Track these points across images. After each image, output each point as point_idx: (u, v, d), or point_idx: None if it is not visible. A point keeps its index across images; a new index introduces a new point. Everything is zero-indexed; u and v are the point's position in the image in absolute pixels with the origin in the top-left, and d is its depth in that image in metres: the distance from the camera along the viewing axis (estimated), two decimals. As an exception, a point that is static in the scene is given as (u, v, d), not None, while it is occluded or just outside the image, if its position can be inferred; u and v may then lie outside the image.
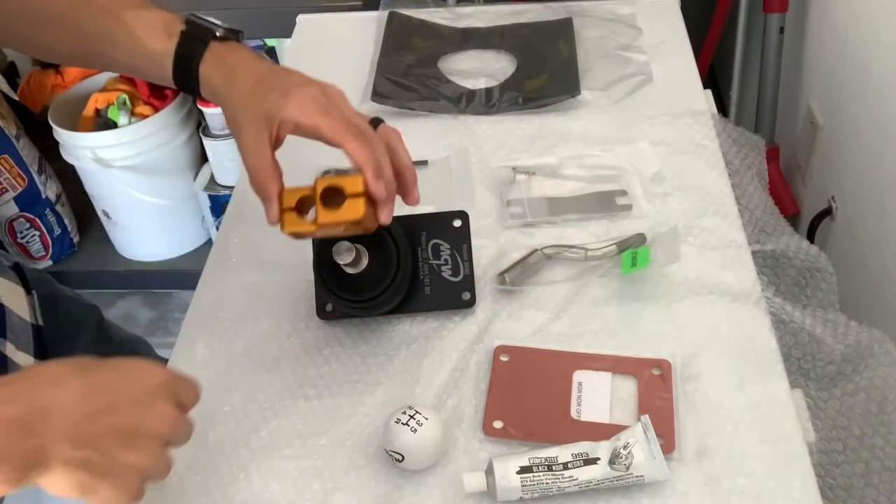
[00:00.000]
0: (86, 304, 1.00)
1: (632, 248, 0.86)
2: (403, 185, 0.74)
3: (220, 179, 1.98)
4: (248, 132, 0.70)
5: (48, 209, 2.08)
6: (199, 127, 1.95)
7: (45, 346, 0.81)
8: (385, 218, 0.70)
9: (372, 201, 0.70)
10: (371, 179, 0.68)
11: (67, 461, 0.52)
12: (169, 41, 0.73)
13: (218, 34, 0.74)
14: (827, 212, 1.49)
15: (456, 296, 0.83)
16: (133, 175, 1.92)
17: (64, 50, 0.78)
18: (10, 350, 0.75)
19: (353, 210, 0.69)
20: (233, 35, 0.76)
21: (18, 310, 0.79)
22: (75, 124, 1.94)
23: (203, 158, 2.01)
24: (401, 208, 0.95)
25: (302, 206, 0.71)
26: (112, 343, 1.02)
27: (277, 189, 0.69)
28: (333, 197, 0.69)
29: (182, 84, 0.74)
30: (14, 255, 2.10)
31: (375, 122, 0.75)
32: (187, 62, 0.73)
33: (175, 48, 0.73)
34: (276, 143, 0.70)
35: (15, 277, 0.82)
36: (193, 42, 0.73)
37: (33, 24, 0.75)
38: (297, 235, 0.72)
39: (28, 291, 0.83)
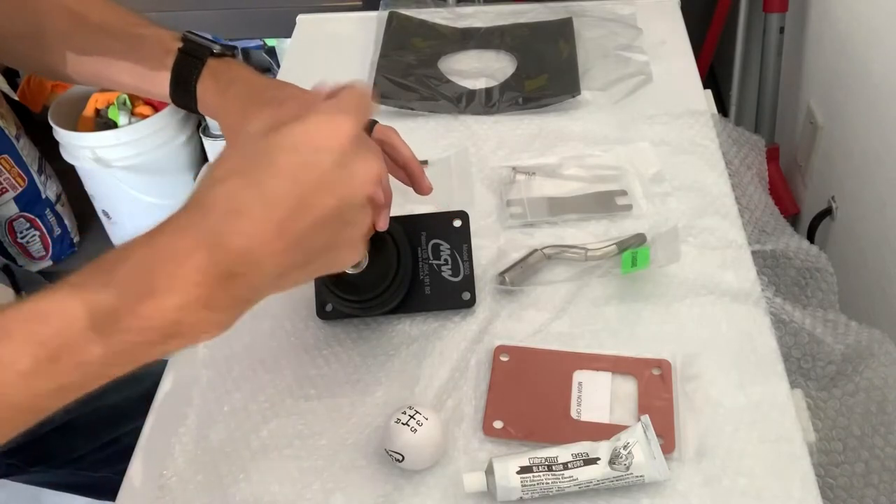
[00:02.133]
0: None
1: (632, 248, 0.86)
2: (411, 176, 0.76)
3: (220, 179, 1.98)
4: None
5: (48, 209, 2.08)
6: (199, 127, 1.95)
7: None
8: (382, 223, 0.70)
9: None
10: None
11: (279, 283, 0.50)
12: (166, 59, 0.74)
13: (214, 51, 0.75)
14: (827, 212, 1.49)
15: (456, 296, 0.83)
16: (133, 175, 1.93)
17: (62, 68, 0.77)
18: None
19: None
20: (228, 52, 0.76)
21: None
22: (75, 124, 1.94)
23: (203, 158, 2.02)
24: (401, 208, 0.95)
25: None
26: None
27: None
28: None
29: (180, 101, 0.75)
30: (14, 255, 2.10)
31: (370, 126, 0.75)
32: (185, 80, 0.73)
33: (172, 66, 0.74)
34: None
35: (5, 279, 0.82)
36: (190, 60, 0.74)
37: (31, 43, 0.75)
38: None
39: (17, 293, 0.83)
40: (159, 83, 0.74)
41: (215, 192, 0.50)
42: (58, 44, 0.75)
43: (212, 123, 1.89)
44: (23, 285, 0.84)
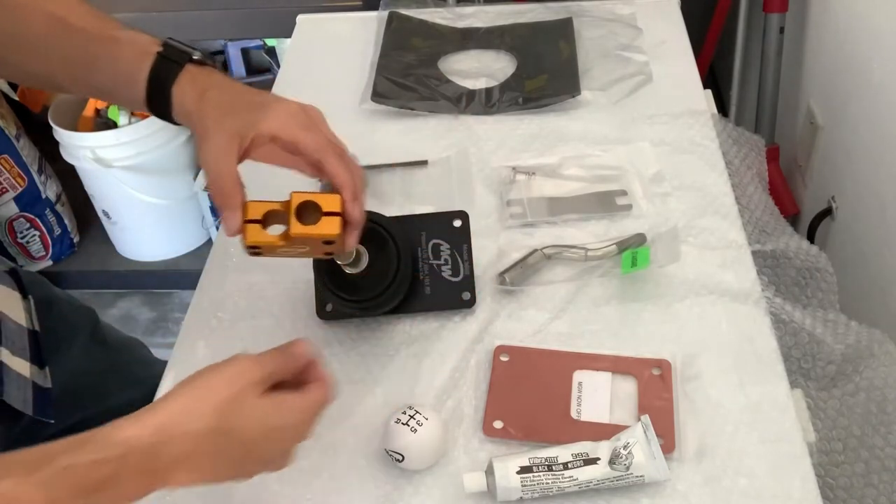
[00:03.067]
0: (80, 307, 1.00)
1: (632, 248, 0.86)
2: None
3: (220, 179, 1.98)
4: (215, 141, 0.67)
5: (48, 209, 2.08)
6: (199, 127, 1.95)
7: (41, 353, 0.80)
8: (351, 243, 0.69)
9: (344, 223, 0.68)
10: (349, 200, 0.68)
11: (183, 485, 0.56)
12: (144, 62, 0.71)
13: (194, 57, 0.72)
14: (827, 212, 1.49)
15: (456, 296, 0.83)
16: (133, 175, 1.92)
17: (40, 73, 0.76)
18: (6, 356, 0.75)
19: (329, 227, 0.67)
20: (208, 60, 0.74)
21: (14, 315, 0.79)
22: (75, 124, 1.94)
23: (203, 158, 2.01)
24: (401, 208, 0.95)
25: (266, 221, 0.68)
26: (107, 345, 1.02)
27: (240, 198, 0.67)
28: (307, 213, 0.68)
29: (155, 106, 0.73)
30: (14, 255, 2.10)
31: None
32: (162, 83, 0.71)
33: (150, 69, 0.71)
34: (243, 155, 0.69)
35: (11, 283, 0.82)
36: (168, 64, 0.72)
37: (8, 47, 0.74)
38: (257, 251, 0.69)
39: (24, 296, 0.83)
40: (136, 87, 0.72)
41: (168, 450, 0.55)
42: (37, 47, 0.73)
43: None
44: (29, 288, 0.84)
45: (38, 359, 0.79)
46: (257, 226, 0.67)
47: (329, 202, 0.68)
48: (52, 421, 0.77)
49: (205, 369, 0.58)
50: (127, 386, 0.93)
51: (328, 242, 0.68)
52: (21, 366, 0.76)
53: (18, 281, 0.83)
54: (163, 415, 0.55)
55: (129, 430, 0.53)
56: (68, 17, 0.73)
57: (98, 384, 0.93)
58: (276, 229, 0.68)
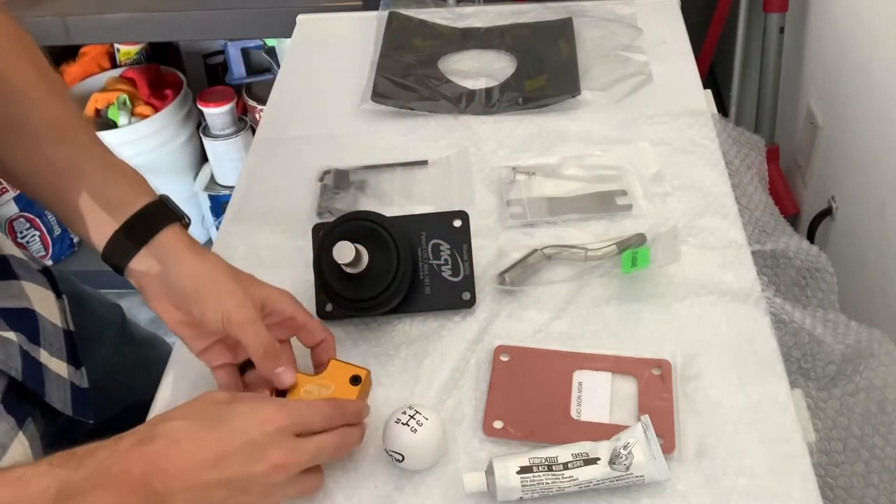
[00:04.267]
0: (108, 303, 1.01)
1: (632, 248, 0.86)
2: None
3: (220, 179, 1.98)
4: (245, 309, 0.68)
5: (48, 209, 2.08)
6: (199, 127, 1.95)
7: (77, 354, 0.80)
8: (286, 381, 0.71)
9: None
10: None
11: None
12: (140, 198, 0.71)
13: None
14: (827, 212, 1.49)
15: (456, 296, 0.83)
16: (133, 175, 1.92)
17: (20, 170, 0.72)
18: (45, 357, 0.74)
19: (348, 393, 0.72)
20: (184, 220, 0.74)
21: (50, 315, 0.78)
22: (75, 124, 1.93)
23: (203, 158, 2.01)
24: (401, 208, 0.95)
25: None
26: (135, 341, 1.03)
27: (289, 355, 0.74)
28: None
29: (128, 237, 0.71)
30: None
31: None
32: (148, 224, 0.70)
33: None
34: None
35: (45, 282, 0.81)
36: (163, 211, 0.72)
37: None
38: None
39: (58, 296, 0.82)
40: (115, 215, 0.70)
41: (164, 427, 0.61)
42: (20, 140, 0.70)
43: (211, 123, 1.89)
44: (62, 287, 0.84)
45: (73, 359, 0.79)
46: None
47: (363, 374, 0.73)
48: (91, 421, 0.78)
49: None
50: (153, 381, 0.93)
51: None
52: (59, 367, 0.76)
53: (52, 279, 0.83)
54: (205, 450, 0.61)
55: (169, 464, 0.59)
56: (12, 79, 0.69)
57: (127, 380, 0.94)
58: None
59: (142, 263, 0.70)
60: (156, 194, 0.72)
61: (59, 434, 0.76)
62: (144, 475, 0.57)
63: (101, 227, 0.70)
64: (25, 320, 0.74)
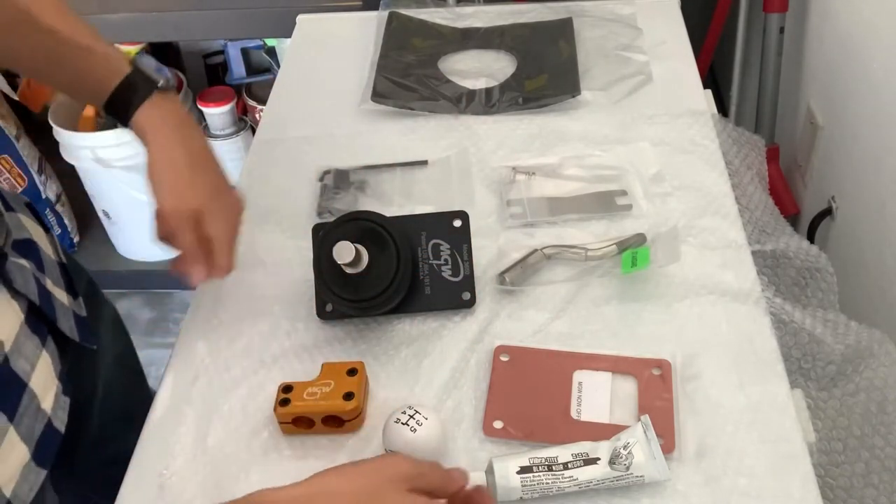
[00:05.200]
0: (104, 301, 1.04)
1: (632, 248, 0.86)
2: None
3: (220, 179, 1.98)
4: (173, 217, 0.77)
5: (48, 209, 2.08)
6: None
7: (73, 284, 0.84)
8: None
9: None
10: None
11: None
12: (111, 80, 0.78)
13: (159, 85, 0.79)
14: (827, 212, 1.49)
15: (456, 296, 0.83)
16: (133, 175, 1.92)
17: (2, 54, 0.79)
18: (50, 286, 0.77)
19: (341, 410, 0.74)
20: (171, 87, 0.81)
21: (45, 248, 0.82)
22: (75, 124, 1.94)
23: (203, 158, 2.01)
24: (401, 208, 0.95)
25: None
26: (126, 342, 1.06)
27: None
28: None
29: (111, 114, 0.79)
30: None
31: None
32: (125, 103, 0.78)
33: (115, 88, 0.78)
34: None
35: (33, 216, 0.85)
36: (136, 89, 0.78)
37: None
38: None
39: (46, 231, 0.86)
40: (96, 96, 0.79)
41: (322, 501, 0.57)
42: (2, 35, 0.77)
43: (211, 123, 1.89)
44: (77, 288, 0.86)
45: (71, 290, 0.83)
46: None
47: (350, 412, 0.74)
48: (94, 347, 0.82)
49: (358, 461, 0.60)
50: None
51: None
52: (62, 295, 0.79)
53: (35, 214, 0.86)
54: (307, 486, 0.57)
55: (267, 496, 0.56)
56: (38, 15, 0.75)
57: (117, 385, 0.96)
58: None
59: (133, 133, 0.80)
60: (128, 67, 0.79)
61: (73, 359, 0.79)
62: None
63: (96, 98, 0.79)
64: (31, 250, 0.77)
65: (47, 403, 0.72)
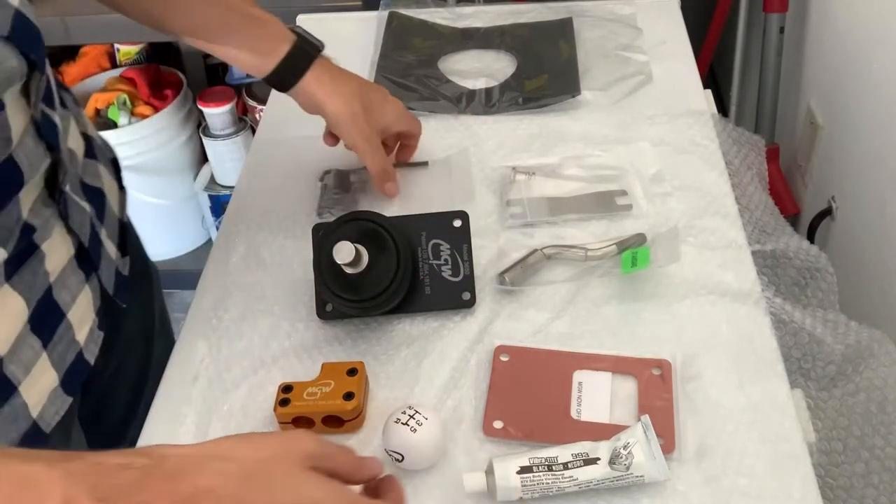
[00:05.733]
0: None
1: (632, 248, 0.86)
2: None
3: (220, 179, 1.98)
4: (370, 139, 0.93)
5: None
6: (199, 127, 1.95)
7: (125, 243, 0.87)
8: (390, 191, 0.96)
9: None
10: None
11: None
12: (281, 46, 0.88)
13: (321, 49, 0.90)
14: (827, 212, 1.49)
15: (456, 296, 0.83)
16: (133, 175, 1.92)
17: (164, 18, 0.86)
18: (104, 236, 0.80)
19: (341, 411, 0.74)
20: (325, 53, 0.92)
21: (112, 203, 0.85)
22: (75, 124, 1.94)
23: (203, 158, 2.01)
24: (401, 208, 0.95)
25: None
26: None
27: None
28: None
29: (276, 82, 0.90)
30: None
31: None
32: (294, 69, 0.89)
33: (286, 55, 0.88)
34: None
35: (113, 172, 0.88)
36: (304, 53, 0.89)
37: (158, 3, 0.85)
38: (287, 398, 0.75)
39: (121, 188, 0.90)
40: (264, 64, 0.88)
41: (213, 465, 0.51)
42: (180, 7, 0.85)
43: (211, 123, 1.89)
44: (129, 250, 0.89)
45: (122, 248, 0.86)
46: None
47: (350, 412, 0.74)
48: (125, 305, 0.84)
49: (267, 432, 0.57)
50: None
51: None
52: (111, 248, 0.82)
53: (118, 172, 0.90)
54: (204, 447, 0.53)
55: (166, 449, 0.51)
56: None
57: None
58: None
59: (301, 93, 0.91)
60: (293, 36, 0.89)
61: (105, 308, 0.80)
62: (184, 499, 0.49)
63: (263, 65, 0.89)
64: (97, 199, 0.80)
65: (82, 335, 0.75)
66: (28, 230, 0.67)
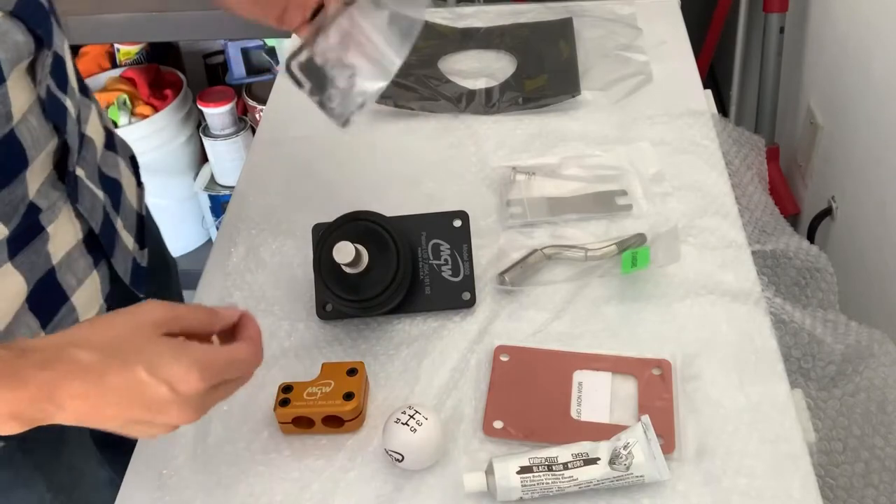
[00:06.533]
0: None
1: (632, 248, 0.86)
2: None
3: (220, 179, 1.98)
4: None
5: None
6: (199, 127, 1.95)
7: (144, 237, 0.87)
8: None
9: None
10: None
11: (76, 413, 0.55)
12: None
13: None
14: (827, 212, 1.49)
15: (456, 296, 0.83)
16: (133, 175, 1.93)
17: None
18: (119, 226, 0.81)
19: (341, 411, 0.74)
20: None
21: (130, 196, 0.86)
22: (75, 124, 1.94)
23: (203, 158, 2.01)
24: (401, 208, 0.95)
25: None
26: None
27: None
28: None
29: None
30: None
31: None
32: None
33: None
34: None
35: (131, 168, 0.89)
36: None
37: None
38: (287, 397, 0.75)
39: (139, 184, 0.91)
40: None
41: (69, 353, 0.55)
42: None
43: (211, 123, 1.89)
44: (147, 242, 0.90)
45: (140, 240, 0.86)
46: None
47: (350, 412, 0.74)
48: (142, 295, 0.84)
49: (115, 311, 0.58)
50: None
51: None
52: (128, 239, 0.83)
53: (136, 169, 0.91)
54: (60, 337, 0.56)
55: (25, 343, 0.55)
56: None
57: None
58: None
59: None
60: None
61: (121, 299, 0.80)
62: (36, 399, 0.54)
63: None
64: (114, 190, 0.81)
65: (85, 319, 0.75)
66: (33, 210, 0.68)
